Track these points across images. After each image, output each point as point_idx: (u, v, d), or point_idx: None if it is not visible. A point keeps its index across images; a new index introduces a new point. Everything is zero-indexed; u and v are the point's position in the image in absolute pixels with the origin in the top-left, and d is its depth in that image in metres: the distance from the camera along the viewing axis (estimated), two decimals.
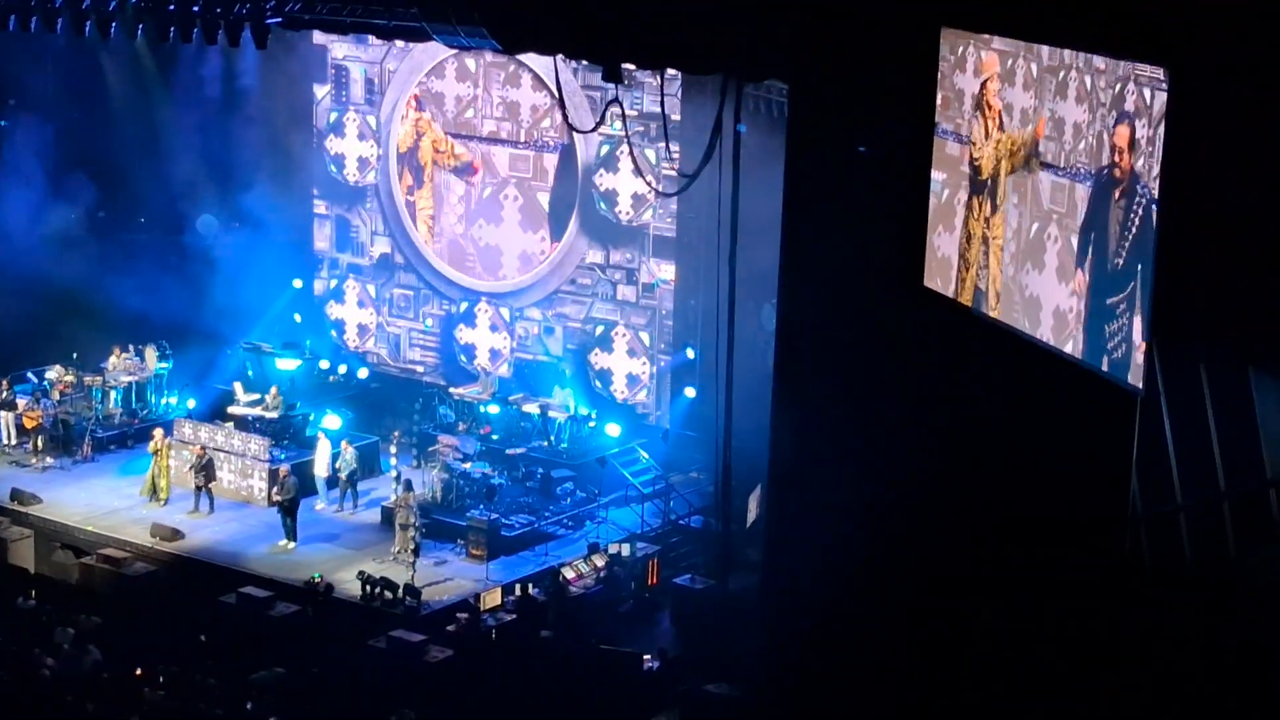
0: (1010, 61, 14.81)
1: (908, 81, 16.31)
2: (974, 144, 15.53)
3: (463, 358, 31.36)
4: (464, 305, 31.28)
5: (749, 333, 23.63)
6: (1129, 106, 12.77)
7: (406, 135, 31.42)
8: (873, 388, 17.36)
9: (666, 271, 29.08)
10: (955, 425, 16.34)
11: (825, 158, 17.58)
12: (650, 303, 29.36)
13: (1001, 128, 15.06)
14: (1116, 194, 13.09)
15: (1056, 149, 14.14)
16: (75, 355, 30.76)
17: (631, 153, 27.07)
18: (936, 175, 16.34)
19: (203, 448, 27.02)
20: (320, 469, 27.20)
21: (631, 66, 23.59)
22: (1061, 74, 13.93)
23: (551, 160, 30.02)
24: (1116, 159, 13.01)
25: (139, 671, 19.03)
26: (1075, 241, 13.85)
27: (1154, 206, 12.47)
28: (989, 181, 15.40)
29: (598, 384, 29.77)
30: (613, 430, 28.31)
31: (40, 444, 28.64)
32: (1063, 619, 14.91)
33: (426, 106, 31.08)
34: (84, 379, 30.18)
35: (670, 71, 23.92)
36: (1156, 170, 12.41)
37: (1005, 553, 15.68)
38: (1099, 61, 13.32)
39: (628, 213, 29.27)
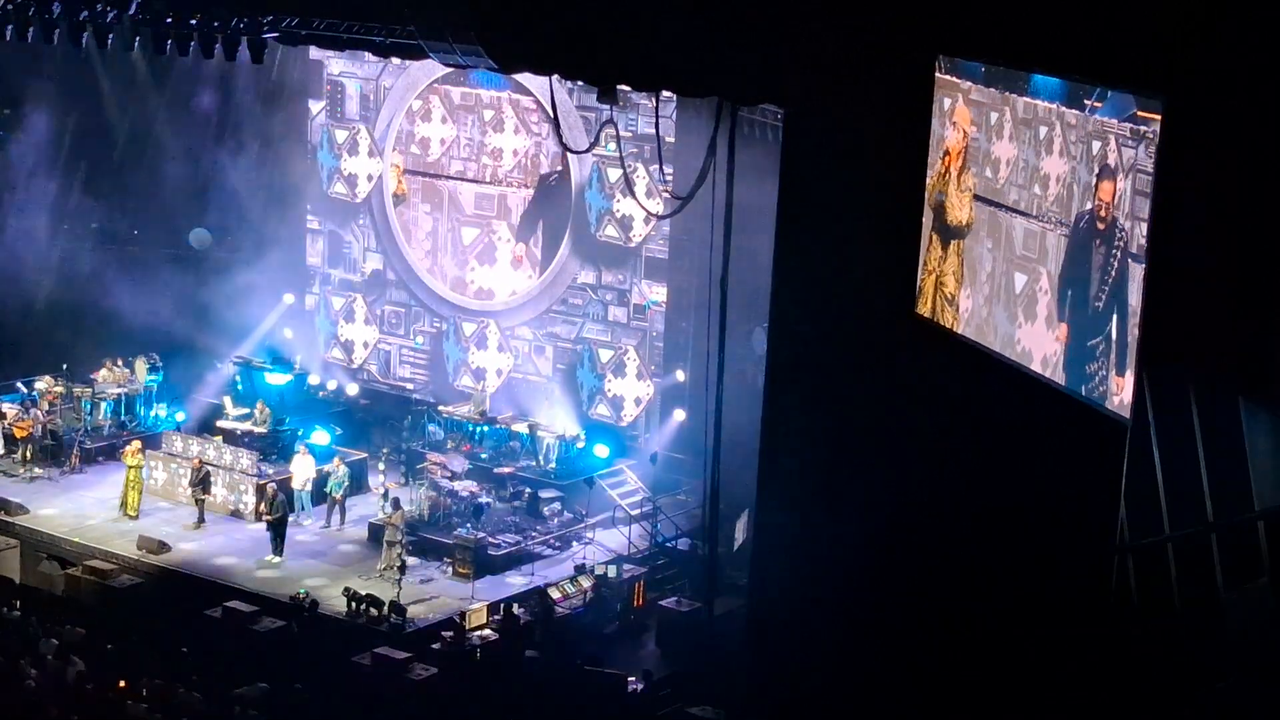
0: (987, 112, 14.99)
1: (903, 105, 16.32)
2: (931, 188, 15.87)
3: (451, 374, 31.35)
4: (455, 323, 31.31)
5: (739, 356, 23.62)
6: (1109, 161, 13.06)
7: (399, 156, 31.48)
8: (862, 413, 17.34)
9: (658, 293, 29.11)
10: (945, 452, 16.32)
11: (819, 181, 17.58)
12: (641, 324, 29.37)
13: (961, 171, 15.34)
14: (1097, 242, 13.38)
15: (1030, 197, 14.35)
16: (65, 366, 30.72)
17: (625, 174, 27.08)
18: None
19: (200, 460, 27.00)
20: (298, 483, 27.14)
21: (627, 88, 23.62)
22: (1038, 127, 14.17)
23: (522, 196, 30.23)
24: (1100, 212, 13.30)
25: (122, 684, 18.97)
26: (1045, 286, 14.16)
27: (1130, 253, 12.77)
28: (940, 224, 15.75)
29: (585, 404, 29.82)
30: (601, 451, 28.29)
31: (28, 454, 28.60)
32: (1048, 648, 14.89)
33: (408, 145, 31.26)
34: (73, 390, 30.13)
35: (665, 94, 23.95)
36: (1134, 218, 12.64)
37: (992, 580, 15.66)
38: (1071, 116, 13.59)
39: (619, 234, 29.30)
